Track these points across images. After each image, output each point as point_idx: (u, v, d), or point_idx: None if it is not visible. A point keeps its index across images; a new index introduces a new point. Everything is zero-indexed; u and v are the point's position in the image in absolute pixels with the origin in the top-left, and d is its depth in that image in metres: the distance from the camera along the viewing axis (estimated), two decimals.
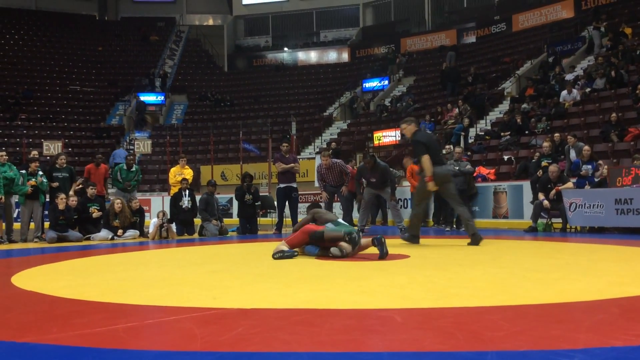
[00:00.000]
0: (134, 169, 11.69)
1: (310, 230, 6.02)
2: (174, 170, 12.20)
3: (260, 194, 12.23)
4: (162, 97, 27.21)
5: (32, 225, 10.25)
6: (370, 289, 3.84)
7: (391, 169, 10.77)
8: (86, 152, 21.99)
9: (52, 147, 18.28)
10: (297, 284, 4.17)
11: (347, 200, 10.66)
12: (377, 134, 19.58)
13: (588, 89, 15.99)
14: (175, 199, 11.22)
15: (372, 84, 26.16)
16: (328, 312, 3.09)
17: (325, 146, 19.81)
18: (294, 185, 10.79)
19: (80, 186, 10.67)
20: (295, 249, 5.93)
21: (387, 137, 19.38)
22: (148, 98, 26.92)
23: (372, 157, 9.85)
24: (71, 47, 30.84)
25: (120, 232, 10.05)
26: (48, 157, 18.44)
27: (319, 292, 3.77)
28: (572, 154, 11.23)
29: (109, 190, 12.55)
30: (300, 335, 2.64)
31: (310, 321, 2.93)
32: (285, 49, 33.08)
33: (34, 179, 9.85)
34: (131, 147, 22.21)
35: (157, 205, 15.83)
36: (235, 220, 12.58)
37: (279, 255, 5.71)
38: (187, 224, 11.19)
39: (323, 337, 2.53)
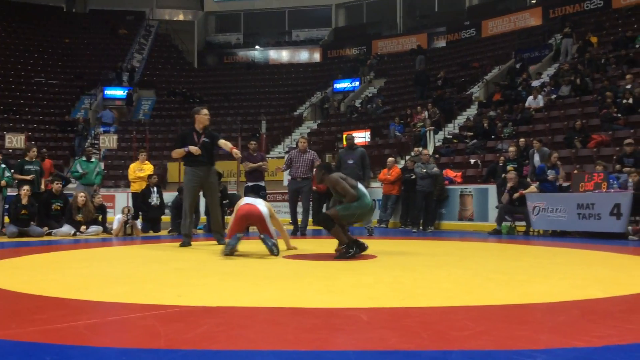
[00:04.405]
0: (93, 160, 11.47)
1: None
2: (133, 166, 11.83)
3: (229, 192, 12.12)
4: (129, 92, 26.79)
5: None
6: (337, 288, 3.85)
7: None
8: (50, 146, 21.48)
9: (14, 140, 17.81)
10: (264, 282, 4.15)
11: (311, 199, 10.55)
12: (347, 135, 19.62)
13: (554, 96, 16.32)
14: (144, 196, 11.01)
15: (343, 84, 26.23)
16: (294, 311, 3.08)
17: (294, 145, 19.77)
18: (262, 184, 10.69)
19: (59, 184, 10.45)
20: (238, 234, 5.88)
21: (357, 138, 19.43)
22: (115, 92, 26.50)
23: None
24: (37, 38, 30.10)
25: (83, 227, 9.85)
26: (10, 150, 18.00)
27: (286, 291, 3.76)
28: (536, 158, 11.45)
29: (70, 186, 12.26)
30: (266, 333, 2.63)
31: (276, 320, 2.92)
32: (257, 47, 32.93)
33: None
34: (96, 142, 21.83)
35: (122, 201, 15.57)
36: (202, 218, 12.47)
37: (228, 249, 5.70)
38: (155, 221, 11.02)
39: (289, 336, 2.52)
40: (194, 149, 7.16)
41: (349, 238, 5.84)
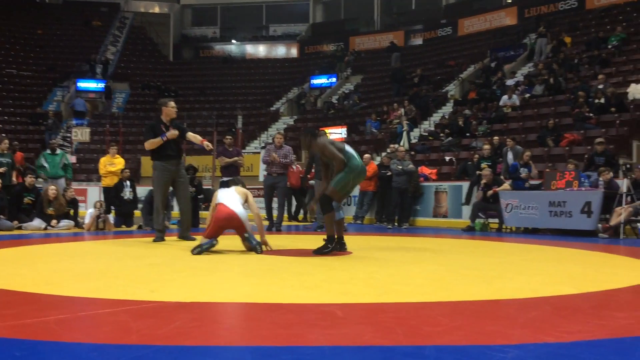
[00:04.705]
0: (58, 152, 11.27)
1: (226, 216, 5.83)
2: (104, 160, 11.61)
3: (204, 187, 12.04)
4: (103, 85, 26.41)
5: None
6: (312, 284, 3.85)
7: None
8: (21, 138, 21.09)
9: None
10: (239, 278, 4.13)
11: (286, 195, 10.50)
12: (320, 131, 19.62)
13: (527, 95, 16.53)
14: (117, 190, 10.86)
15: (320, 80, 26.22)
16: (269, 307, 3.06)
17: (270, 141, 19.72)
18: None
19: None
20: (213, 239, 5.73)
21: (334, 134, 19.45)
22: (88, 84, 26.10)
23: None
24: (8, 29, 29.44)
25: (54, 222, 9.68)
26: None
27: (261, 287, 3.74)
28: (510, 157, 11.59)
29: (39, 179, 12.06)
30: (240, 329, 2.61)
31: (251, 315, 2.90)
32: (234, 41, 32.70)
33: None
34: (68, 135, 21.50)
35: (94, 195, 15.35)
36: (176, 212, 12.38)
37: (198, 250, 5.53)
38: (128, 215, 10.88)
39: (264, 331, 2.51)
40: (170, 134, 7.00)
41: (339, 233, 5.80)
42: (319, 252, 5.61)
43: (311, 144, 5.79)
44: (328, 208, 5.65)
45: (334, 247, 5.67)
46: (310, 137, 5.83)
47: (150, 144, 7.08)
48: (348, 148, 5.76)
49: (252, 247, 5.70)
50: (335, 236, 5.72)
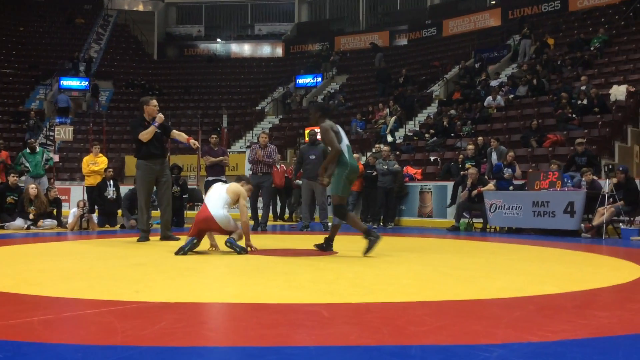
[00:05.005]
0: (38, 150, 11.17)
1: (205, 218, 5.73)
2: (87, 159, 11.47)
3: (189, 187, 11.98)
4: (86, 83, 26.16)
5: None
6: (298, 284, 3.85)
7: None
8: (3, 137, 20.83)
9: None
10: (225, 278, 4.12)
11: (271, 194, 10.50)
12: (308, 130, 19.62)
13: (511, 96, 16.67)
14: (100, 189, 10.77)
15: (305, 80, 26.23)
16: (255, 307, 3.06)
17: (256, 140, 19.68)
18: (223, 178, 10.57)
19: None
20: (193, 237, 5.62)
21: (319, 133, 19.46)
22: (71, 83, 25.85)
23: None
24: None
25: (40, 222, 9.57)
26: None
27: (247, 287, 3.74)
28: (494, 157, 11.68)
29: (22, 178, 11.94)
30: (226, 329, 2.60)
31: (237, 315, 2.90)
32: (219, 40, 32.58)
33: None
34: (51, 134, 21.24)
35: (77, 194, 15.20)
36: (157, 212, 12.29)
37: (181, 253, 5.43)
38: (111, 215, 10.79)
39: (250, 332, 2.50)
40: (159, 117, 6.95)
41: (332, 235, 5.83)
42: (369, 249, 5.48)
43: (318, 121, 5.81)
44: (343, 213, 5.70)
45: (375, 236, 5.54)
46: (320, 114, 5.86)
47: (147, 134, 6.92)
48: (344, 144, 5.73)
49: (237, 252, 5.60)
50: (365, 227, 5.71)
